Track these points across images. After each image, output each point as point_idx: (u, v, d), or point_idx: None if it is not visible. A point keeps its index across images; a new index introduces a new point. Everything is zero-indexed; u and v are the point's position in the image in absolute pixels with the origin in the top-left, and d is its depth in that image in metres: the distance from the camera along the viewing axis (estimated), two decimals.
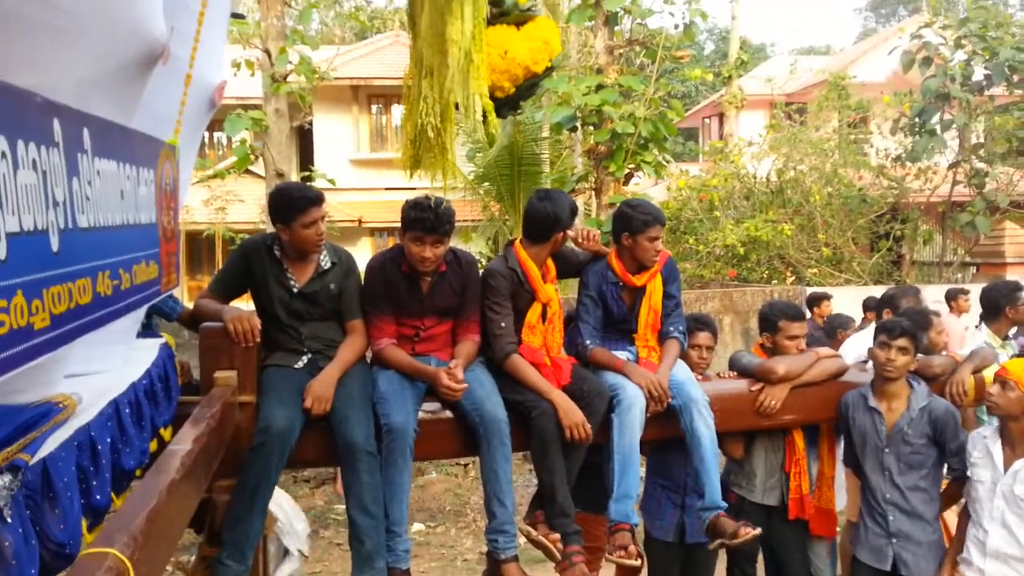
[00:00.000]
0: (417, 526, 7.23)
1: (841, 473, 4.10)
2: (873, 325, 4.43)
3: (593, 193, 9.90)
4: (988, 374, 3.76)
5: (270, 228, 3.45)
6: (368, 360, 3.47)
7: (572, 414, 3.30)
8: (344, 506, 3.30)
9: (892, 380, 3.58)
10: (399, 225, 3.39)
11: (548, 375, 3.40)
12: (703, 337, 3.95)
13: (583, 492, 3.54)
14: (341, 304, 3.40)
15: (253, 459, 3.02)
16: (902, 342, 3.53)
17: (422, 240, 3.30)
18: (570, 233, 3.69)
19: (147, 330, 3.25)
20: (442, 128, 2.74)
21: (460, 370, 3.27)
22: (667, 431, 3.55)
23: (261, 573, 3.39)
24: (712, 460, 3.49)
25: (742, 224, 13.13)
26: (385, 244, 17.55)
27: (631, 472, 3.41)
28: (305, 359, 3.33)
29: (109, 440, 2.17)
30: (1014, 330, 4.96)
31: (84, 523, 1.92)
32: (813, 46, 36.67)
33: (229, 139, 16.03)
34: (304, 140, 18.00)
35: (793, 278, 13.03)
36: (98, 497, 2.04)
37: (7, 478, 1.59)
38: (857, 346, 4.51)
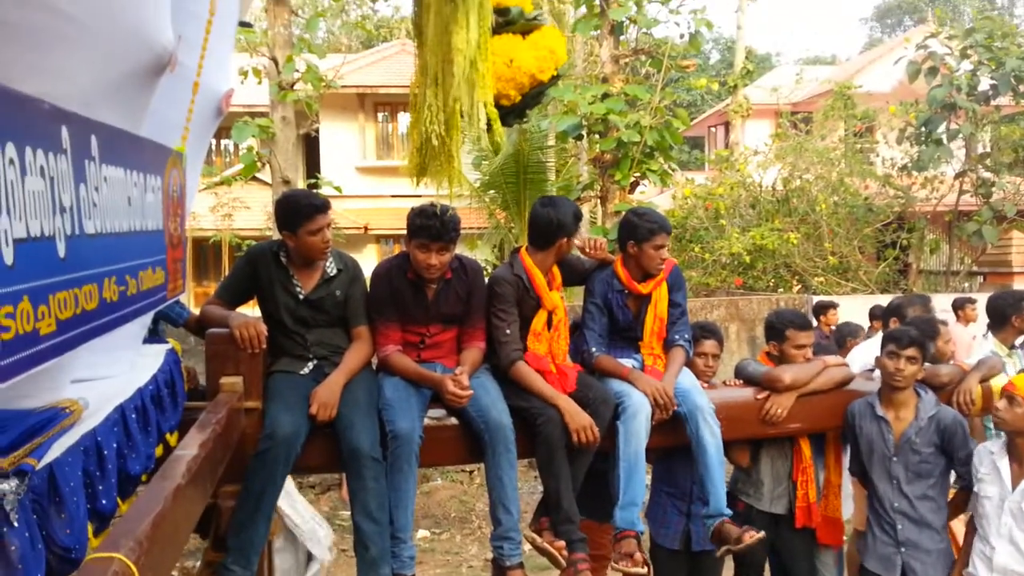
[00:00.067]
0: (422, 532, 7.22)
1: (848, 482, 4.09)
2: (880, 334, 4.42)
3: (599, 201, 9.90)
4: (995, 383, 3.75)
5: (276, 235, 3.46)
6: (374, 367, 3.47)
7: (579, 418, 3.29)
8: (349, 512, 3.30)
9: (900, 389, 3.56)
10: (405, 232, 3.40)
11: (553, 382, 3.40)
12: (709, 345, 3.95)
13: (588, 499, 3.54)
14: (347, 311, 3.41)
15: (259, 465, 3.03)
16: (911, 351, 3.52)
17: (428, 247, 3.30)
18: (577, 242, 3.70)
19: (153, 336, 3.27)
20: (448, 136, 2.74)
21: (465, 377, 3.26)
22: (673, 439, 3.55)
23: None
24: (717, 468, 3.48)
25: (748, 232, 13.09)
26: (391, 251, 17.58)
27: (636, 479, 3.41)
28: (311, 365, 3.34)
29: (115, 445, 2.18)
30: (1021, 339, 4.94)
31: (90, 528, 1.93)
32: (819, 56, 36.73)
33: (236, 146, 16.13)
34: (310, 148, 18.04)
35: (799, 287, 12.99)
36: (104, 502, 2.04)
37: (14, 483, 1.60)
38: (863, 355, 4.50)
